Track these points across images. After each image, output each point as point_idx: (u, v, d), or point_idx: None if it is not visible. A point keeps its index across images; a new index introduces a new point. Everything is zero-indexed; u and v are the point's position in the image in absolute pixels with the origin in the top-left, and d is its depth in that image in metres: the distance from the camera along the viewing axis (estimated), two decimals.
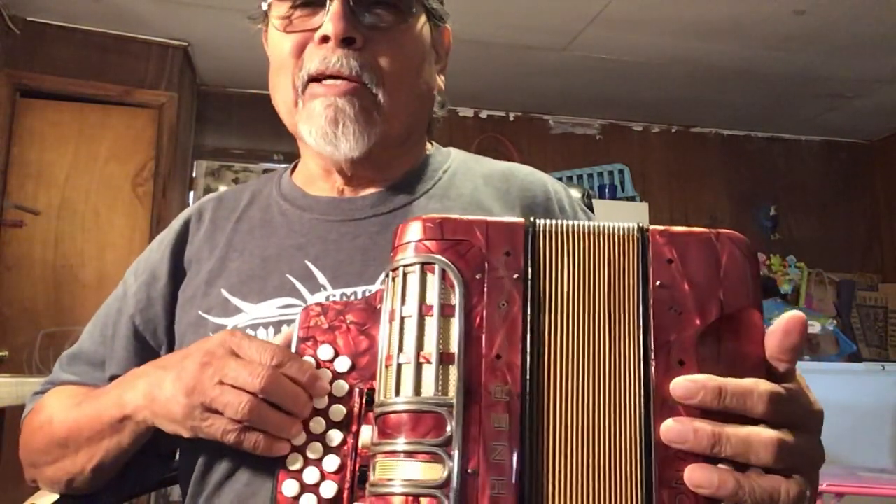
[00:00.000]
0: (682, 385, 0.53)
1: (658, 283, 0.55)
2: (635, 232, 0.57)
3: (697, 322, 0.55)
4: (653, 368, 0.54)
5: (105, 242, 3.55)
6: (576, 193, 1.13)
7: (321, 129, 0.83)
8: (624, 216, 4.15)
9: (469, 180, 0.94)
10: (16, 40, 3.49)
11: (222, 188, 0.95)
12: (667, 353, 0.54)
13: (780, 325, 0.54)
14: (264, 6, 0.90)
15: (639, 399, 0.54)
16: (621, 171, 4.57)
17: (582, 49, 3.80)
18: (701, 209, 4.87)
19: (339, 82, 0.83)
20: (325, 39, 0.83)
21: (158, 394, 0.69)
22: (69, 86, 3.58)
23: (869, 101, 4.40)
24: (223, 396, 0.63)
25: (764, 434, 0.52)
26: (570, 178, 4.43)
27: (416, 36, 0.89)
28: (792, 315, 0.54)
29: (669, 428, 0.52)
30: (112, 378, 0.88)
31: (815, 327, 4.00)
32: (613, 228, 0.57)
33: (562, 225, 0.57)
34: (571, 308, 0.56)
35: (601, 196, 4.41)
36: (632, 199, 4.50)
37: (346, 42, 0.83)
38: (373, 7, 0.85)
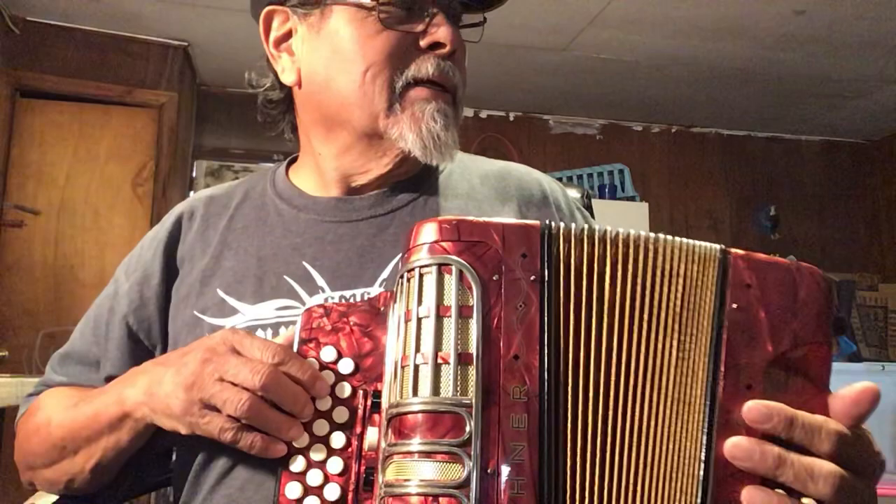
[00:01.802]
0: (756, 409, 0.53)
1: (735, 305, 0.56)
2: (717, 253, 0.57)
3: (769, 349, 0.55)
4: (720, 387, 0.54)
5: (105, 242, 3.55)
6: (575, 194, 1.13)
7: (434, 133, 0.82)
8: (624, 216, 4.15)
9: (465, 180, 0.94)
10: (16, 40, 3.49)
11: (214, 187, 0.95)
12: (736, 374, 0.54)
13: (852, 394, 0.54)
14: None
15: (699, 415, 0.54)
16: (621, 171, 4.57)
17: (582, 49, 3.81)
18: (701, 209, 4.87)
19: (439, 90, 0.84)
20: (434, 46, 0.83)
21: (157, 389, 0.69)
22: (69, 86, 3.58)
23: (869, 101, 4.41)
24: (223, 393, 0.63)
25: (826, 467, 0.52)
26: (570, 178, 4.43)
27: None
28: (865, 387, 0.54)
29: (736, 444, 0.52)
30: (108, 378, 0.88)
31: None
32: (694, 247, 0.58)
33: (583, 230, 0.58)
34: (598, 312, 0.56)
35: (601, 196, 4.40)
36: (632, 199, 4.49)
37: (451, 53, 0.84)
38: (461, 22, 0.87)
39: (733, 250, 0.58)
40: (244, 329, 0.81)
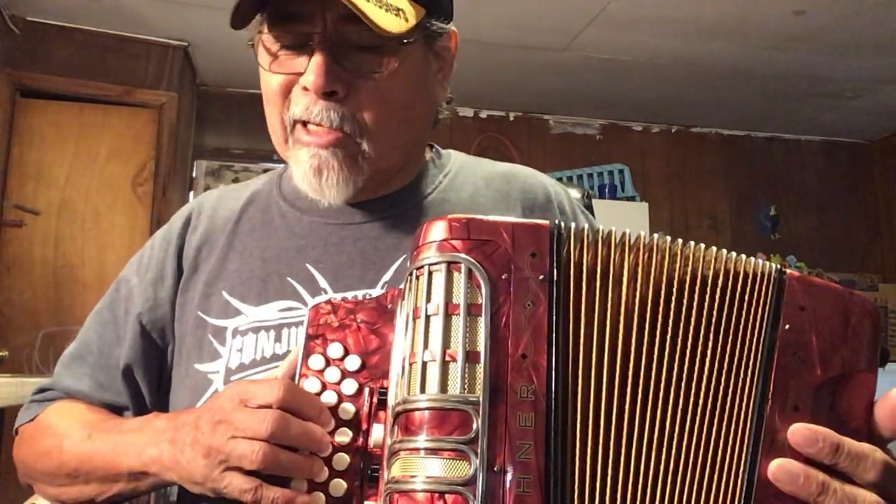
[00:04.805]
0: (802, 432, 0.53)
1: (787, 326, 0.56)
2: (774, 272, 0.58)
3: (818, 373, 0.55)
4: (768, 407, 0.55)
5: (105, 242, 3.54)
6: (575, 194, 1.13)
7: (306, 177, 0.83)
8: (624, 216, 4.15)
9: (469, 183, 0.94)
10: (16, 40, 3.48)
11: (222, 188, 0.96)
12: (784, 395, 0.55)
13: (893, 399, 0.55)
14: (255, 39, 0.86)
15: (743, 432, 0.55)
16: (621, 171, 4.58)
17: (582, 49, 3.81)
18: (701, 209, 4.88)
19: (321, 130, 0.82)
20: (307, 88, 0.81)
21: (181, 458, 0.68)
22: (69, 86, 3.58)
23: (869, 101, 4.41)
24: (236, 448, 0.62)
25: (870, 498, 0.52)
26: (570, 178, 4.43)
27: (407, 73, 0.84)
28: None
29: (781, 466, 0.53)
30: (125, 368, 0.89)
31: None
32: (738, 261, 0.58)
33: (596, 231, 0.58)
34: (613, 315, 0.56)
35: (601, 196, 4.41)
36: (632, 199, 4.50)
37: (327, 94, 0.80)
38: (356, 55, 0.81)
39: (788, 271, 0.58)
40: (248, 330, 0.83)
